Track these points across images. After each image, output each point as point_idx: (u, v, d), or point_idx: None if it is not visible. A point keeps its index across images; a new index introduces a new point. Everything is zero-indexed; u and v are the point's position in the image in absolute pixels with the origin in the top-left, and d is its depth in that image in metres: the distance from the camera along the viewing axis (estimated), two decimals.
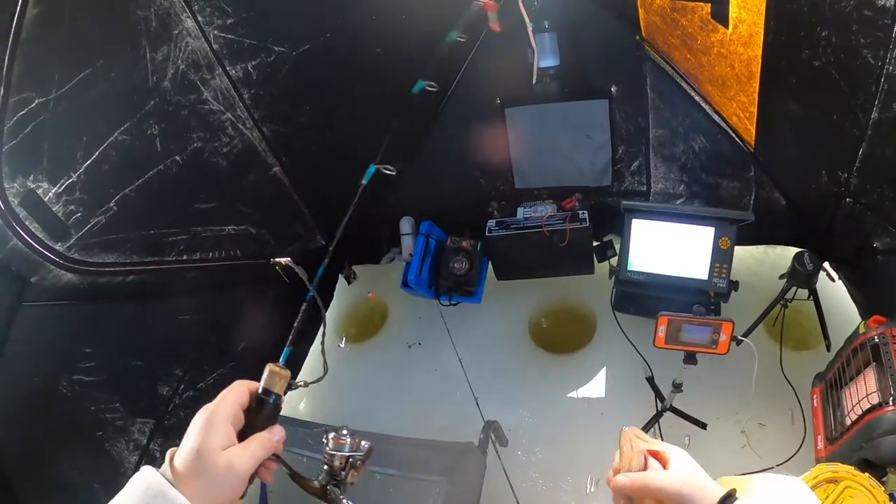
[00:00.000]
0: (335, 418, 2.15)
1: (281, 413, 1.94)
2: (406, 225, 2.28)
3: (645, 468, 0.75)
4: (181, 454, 0.65)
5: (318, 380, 2.01)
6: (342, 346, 2.45)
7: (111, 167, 1.48)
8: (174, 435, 1.78)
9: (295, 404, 2.26)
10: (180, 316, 1.84)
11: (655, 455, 0.76)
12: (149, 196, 1.60)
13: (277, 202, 2.07)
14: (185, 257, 1.78)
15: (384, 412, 2.10)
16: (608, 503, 1.69)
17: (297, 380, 2.04)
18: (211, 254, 1.86)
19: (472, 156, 2.25)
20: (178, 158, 1.67)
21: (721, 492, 0.72)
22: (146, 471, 0.63)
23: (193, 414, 1.68)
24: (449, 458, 1.79)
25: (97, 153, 1.45)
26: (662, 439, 1.81)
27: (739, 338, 1.65)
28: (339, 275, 2.47)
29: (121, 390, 1.63)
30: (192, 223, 1.78)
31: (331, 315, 2.38)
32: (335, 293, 2.48)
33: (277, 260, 1.92)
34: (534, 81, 1.98)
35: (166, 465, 0.65)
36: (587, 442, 1.98)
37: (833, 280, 2.01)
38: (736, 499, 0.70)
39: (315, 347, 2.26)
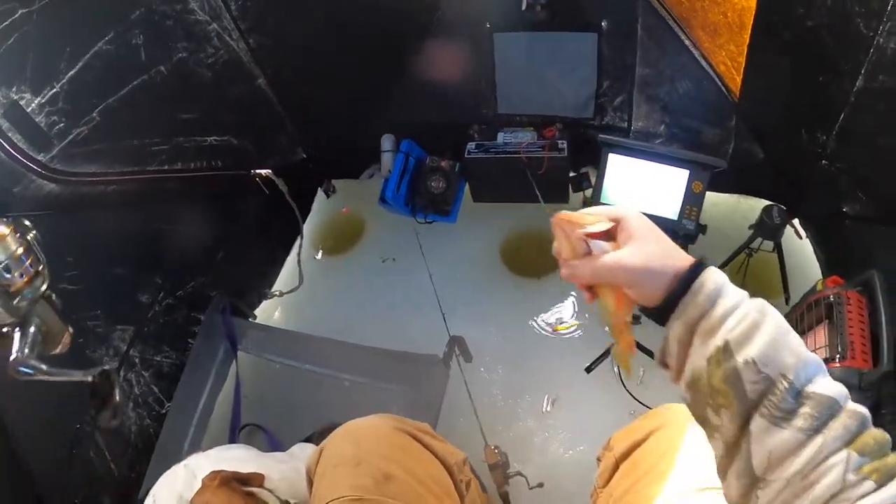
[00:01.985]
0: (308, 328, 2.44)
1: (256, 321, 2.33)
2: (387, 142, 2.49)
3: (589, 254, 0.77)
4: None
5: (293, 290, 2.40)
6: (318, 257, 2.71)
7: (95, 77, 1.64)
8: (153, 342, 2.03)
9: (270, 313, 2.52)
10: (161, 225, 2.05)
11: (599, 235, 0.77)
12: (132, 106, 1.77)
13: (261, 114, 2.27)
14: (166, 167, 1.97)
15: (356, 323, 2.37)
16: (563, 421, 2.11)
17: (273, 289, 2.43)
18: (192, 164, 2.06)
19: (457, 78, 2.43)
20: (162, 69, 1.84)
21: (688, 259, 0.75)
22: None
23: (172, 321, 2.09)
24: (414, 369, 2.06)
25: (81, 63, 1.61)
26: (618, 369, 2.18)
27: None
28: (318, 188, 2.72)
29: (102, 298, 1.82)
30: (174, 133, 1.97)
31: (308, 227, 2.60)
32: (314, 206, 2.74)
33: (258, 171, 2.28)
34: (523, 7, 2.13)
35: None
36: (547, 364, 2.28)
37: (800, 237, 2.25)
38: (707, 265, 0.74)
39: (291, 258, 2.54)
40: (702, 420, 0.75)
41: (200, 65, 1.97)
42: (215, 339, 2.25)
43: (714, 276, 0.73)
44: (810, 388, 0.66)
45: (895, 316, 1.62)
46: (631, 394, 2.12)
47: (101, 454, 1.81)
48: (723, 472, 0.73)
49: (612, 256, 0.75)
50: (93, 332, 1.79)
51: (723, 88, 2.15)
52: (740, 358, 0.67)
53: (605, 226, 0.76)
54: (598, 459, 1.42)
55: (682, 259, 0.75)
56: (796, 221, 2.22)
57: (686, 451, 1.12)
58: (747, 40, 1.91)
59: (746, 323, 0.68)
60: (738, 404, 0.67)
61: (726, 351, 0.68)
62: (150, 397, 2.03)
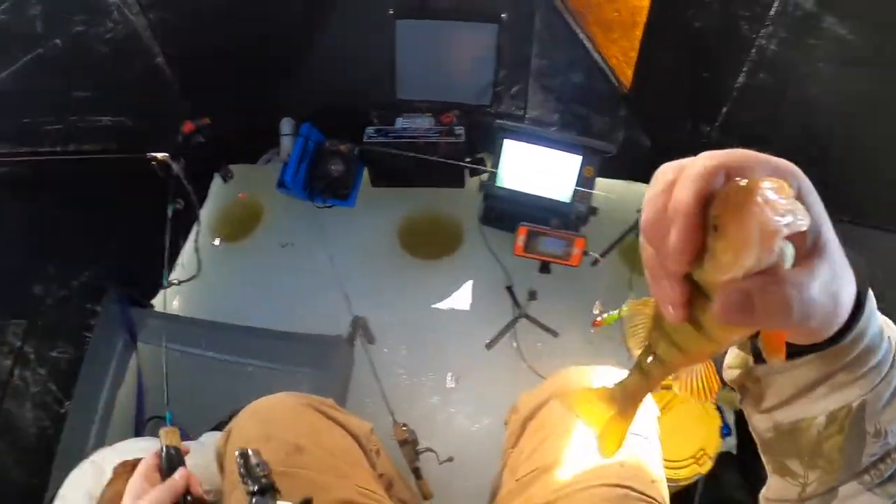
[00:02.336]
0: (209, 316, 2.43)
1: (154, 310, 2.31)
2: (286, 125, 2.51)
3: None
4: None
5: (192, 278, 2.41)
6: (216, 244, 2.70)
7: None
8: (48, 336, 1.96)
9: (168, 303, 2.44)
10: (52, 211, 1.99)
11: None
12: (26, 81, 1.71)
13: (158, 95, 2.22)
14: (59, 148, 1.91)
15: (257, 309, 2.39)
16: (467, 396, 2.26)
17: (170, 277, 2.41)
18: (87, 146, 1.99)
19: (357, 62, 2.51)
20: (58, 42, 1.76)
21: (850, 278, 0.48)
22: None
23: (66, 314, 2.05)
24: (318, 350, 2.10)
25: None
26: (518, 344, 2.39)
27: (598, 256, 2.18)
28: (215, 173, 2.68)
29: None
30: (69, 112, 1.91)
31: (205, 213, 2.59)
32: (210, 192, 2.71)
33: (154, 155, 2.27)
34: None
35: None
36: (449, 342, 2.40)
37: None
38: (867, 290, 0.51)
39: (189, 245, 2.51)
40: (779, 466, 0.62)
41: (98, 40, 1.90)
42: (114, 331, 2.22)
43: (876, 315, 0.53)
44: None
45: None
46: (531, 367, 2.29)
47: None
48: None
49: (825, 288, 0.45)
50: None
51: (614, 81, 2.33)
52: (871, 425, 0.53)
53: (807, 221, 0.40)
54: (506, 423, 1.53)
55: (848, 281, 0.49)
56: None
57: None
58: (639, 37, 2.10)
59: (893, 385, 0.53)
60: (842, 473, 0.55)
61: (858, 412, 0.53)
62: (48, 396, 1.97)
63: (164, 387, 2.24)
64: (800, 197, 0.44)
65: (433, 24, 2.40)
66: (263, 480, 1.03)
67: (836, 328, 0.50)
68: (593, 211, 2.33)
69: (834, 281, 0.46)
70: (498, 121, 2.30)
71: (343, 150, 2.47)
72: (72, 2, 1.79)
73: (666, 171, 0.49)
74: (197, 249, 2.41)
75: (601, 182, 2.34)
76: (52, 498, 1.51)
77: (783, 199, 0.40)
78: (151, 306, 2.44)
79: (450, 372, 2.33)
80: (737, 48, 1.71)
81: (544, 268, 2.04)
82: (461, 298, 2.55)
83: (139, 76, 2.12)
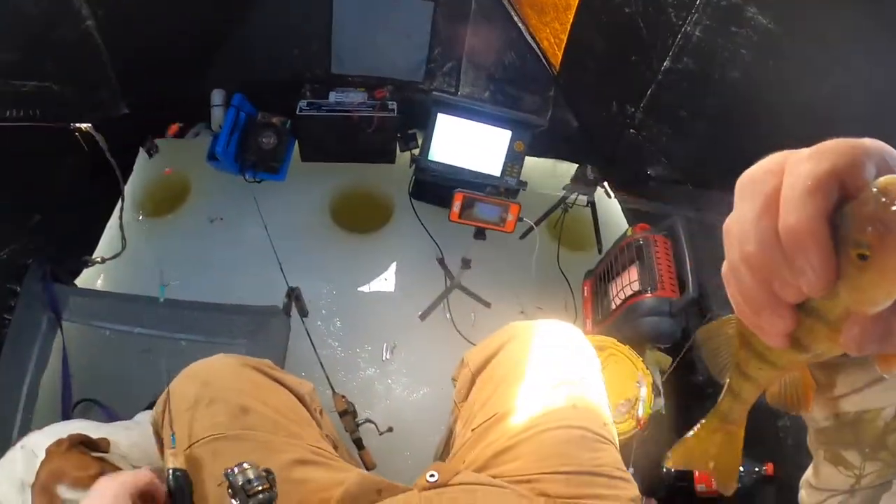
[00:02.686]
0: (134, 292, 2.33)
1: (79, 287, 2.22)
2: (217, 96, 2.47)
3: None
4: None
5: (116, 255, 2.34)
6: (140, 220, 2.62)
7: None
8: None
9: (92, 282, 2.41)
10: None
11: None
12: None
13: (85, 61, 2.11)
14: None
15: (186, 285, 2.34)
16: (404, 367, 2.29)
17: (93, 255, 2.33)
18: (7, 112, 1.88)
19: (292, 34, 2.48)
20: None
21: None
22: None
23: None
24: (253, 321, 2.06)
25: None
26: (451, 315, 2.44)
27: (532, 224, 2.21)
28: (140, 147, 2.59)
29: None
30: None
31: (130, 189, 2.48)
32: (135, 166, 2.60)
33: (78, 126, 2.19)
34: None
35: None
36: (383, 314, 2.43)
37: (609, 196, 2.56)
38: None
39: (113, 222, 2.40)
40: (833, 456, 0.57)
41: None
42: (36, 310, 2.10)
43: None
44: None
45: (695, 254, 1.95)
46: (464, 337, 2.34)
47: None
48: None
49: None
50: None
51: (544, 62, 2.42)
52: None
53: None
54: (454, 379, 1.55)
55: None
56: (605, 184, 2.52)
57: (537, 355, 1.29)
58: (571, 20, 2.17)
59: None
60: None
61: None
62: None
63: (91, 367, 2.18)
64: None
65: (369, 0, 2.42)
66: (262, 496, 0.94)
67: None
68: (523, 185, 2.40)
69: None
70: (434, 93, 2.36)
71: (275, 123, 2.44)
72: None
73: (760, 181, 0.41)
74: (122, 226, 2.34)
75: (529, 160, 2.41)
76: None
77: None
78: (75, 286, 2.34)
79: (385, 343, 2.35)
80: (664, 34, 1.80)
81: (479, 234, 2.08)
82: (393, 271, 2.58)
83: (67, 40, 2.01)
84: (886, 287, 0.35)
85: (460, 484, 1.05)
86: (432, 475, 1.07)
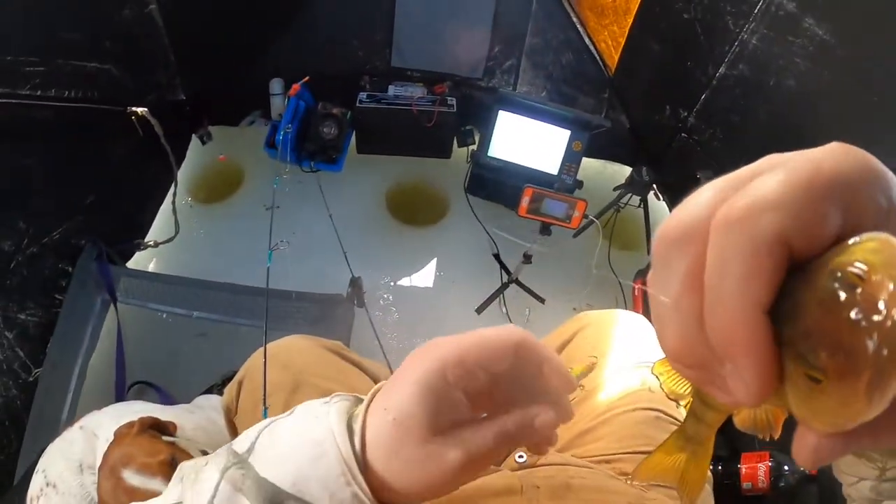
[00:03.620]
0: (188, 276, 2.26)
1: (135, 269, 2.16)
2: (276, 86, 2.46)
3: None
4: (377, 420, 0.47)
5: (170, 240, 2.31)
6: (193, 205, 2.58)
7: None
8: (16, 297, 1.81)
9: (144, 265, 2.37)
10: (25, 160, 1.82)
11: None
12: (9, 17, 1.60)
13: (145, 44, 2.12)
14: (39, 93, 1.77)
15: (239, 271, 2.25)
16: None
17: (146, 238, 2.30)
18: (67, 92, 1.87)
19: (353, 26, 2.48)
20: None
21: None
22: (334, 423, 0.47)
23: (37, 272, 1.88)
24: (317, 309, 2.02)
25: None
26: (506, 309, 2.43)
27: (595, 220, 2.23)
28: (193, 134, 2.57)
29: None
30: (53, 54, 1.78)
31: (182, 175, 2.45)
32: (188, 153, 2.59)
33: (135, 109, 2.17)
34: None
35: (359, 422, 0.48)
36: (439, 307, 2.42)
37: (658, 199, 2.55)
38: None
39: (165, 206, 2.41)
40: None
41: None
42: (90, 291, 2.05)
43: None
44: None
45: None
46: None
47: None
48: None
49: None
50: None
51: (601, 63, 2.42)
52: None
53: None
54: None
55: None
56: (655, 186, 2.51)
57: (617, 337, 1.28)
58: (629, 24, 2.18)
59: None
60: None
61: None
62: (16, 363, 1.80)
63: (145, 349, 2.13)
64: None
65: None
66: None
67: None
68: (579, 184, 2.39)
69: None
70: (499, 90, 2.34)
71: (336, 114, 2.41)
72: None
73: (679, 243, 0.32)
74: (174, 211, 2.32)
75: (582, 161, 2.41)
76: (29, 472, 1.38)
77: None
78: (129, 268, 2.31)
79: (441, 335, 2.31)
80: (721, 40, 1.82)
81: (545, 229, 2.09)
82: (449, 265, 2.56)
83: (130, 22, 2.01)
84: (846, 415, 0.27)
85: (549, 465, 1.02)
86: (521, 456, 1.03)
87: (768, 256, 0.27)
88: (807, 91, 1.59)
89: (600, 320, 1.36)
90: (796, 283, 0.27)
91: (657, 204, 2.59)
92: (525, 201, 1.99)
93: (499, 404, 0.49)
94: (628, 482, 0.98)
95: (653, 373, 0.48)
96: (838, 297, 0.25)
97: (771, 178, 0.28)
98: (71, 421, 1.48)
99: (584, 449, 1.14)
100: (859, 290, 0.24)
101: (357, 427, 0.48)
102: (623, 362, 1.23)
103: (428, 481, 0.46)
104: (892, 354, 0.24)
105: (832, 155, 0.28)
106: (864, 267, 0.25)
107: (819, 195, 0.27)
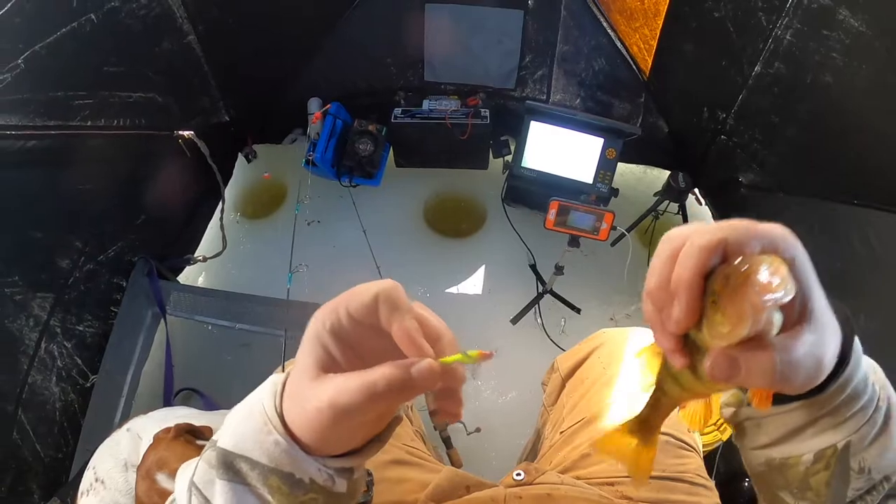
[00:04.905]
0: (235, 290, 2.36)
1: (183, 284, 2.27)
2: (314, 104, 2.49)
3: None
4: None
5: (218, 254, 2.40)
6: (239, 221, 2.67)
7: (23, 20, 1.53)
8: (75, 310, 1.91)
9: (194, 279, 2.46)
10: (80, 185, 1.92)
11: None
12: (59, 55, 1.66)
13: (187, 73, 2.20)
14: (89, 123, 1.86)
15: (281, 285, 2.22)
16: (494, 370, 2.27)
17: (196, 254, 2.40)
18: (116, 121, 1.96)
19: (386, 43, 2.51)
20: (93, 17, 1.74)
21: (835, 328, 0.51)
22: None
23: (94, 287, 1.99)
24: None
25: (9, 5, 1.49)
26: (542, 320, 2.40)
27: (625, 231, 2.21)
28: (239, 153, 2.66)
29: (20, 263, 1.69)
30: (100, 87, 1.87)
31: (229, 192, 2.54)
32: (234, 171, 2.67)
33: (181, 133, 2.27)
34: None
35: (280, 381, 0.54)
36: (475, 317, 2.41)
37: (700, 204, 2.49)
38: (854, 340, 0.56)
39: (214, 222, 2.49)
40: (771, 497, 0.66)
41: (132, 16, 1.89)
42: (142, 304, 2.17)
43: (864, 363, 0.58)
44: None
45: None
46: (554, 342, 2.30)
47: (25, 436, 1.71)
48: None
49: (806, 351, 0.48)
50: (11, 299, 1.68)
51: (634, 68, 2.37)
52: (855, 462, 0.57)
53: (794, 290, 0.46)
54: (544, 384, 1.53)
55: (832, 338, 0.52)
56: (696, 190, 2.47)
57: (626, 360, 1.25)
58: (660, 26, 2.13)
59: (878, 426, 0.56)
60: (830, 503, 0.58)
61: (843, 451, 0.57)
62: (74, 370, 1.93)
63: (192, 359, 2.23)
64: (792, 266, 0.47)
65: (461, 9, 2.41)
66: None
67: (819, 382, 0.52)
68: (615, 192, 2.34)
69: (818, 344, 0.49)
70: (527, 101, 2.31)
71: (372, 130, 2.44)
72: None
73: (672, 239, 0.52)
74: (222, 227, 2.40)
75: (618, 166, 2.36)
76: (82, 469, 1.45)
77: (776, 277, 0.45)
78: (178, 282, 2.42)
79: (476, 346, 2.31)
80: (754, 37, 1.76)
81: (573, 241, 2.07)
82: (486, 275, 2.55)
83: (170, 54, 2.10)
84: (729, 325, 0.46)
85: (545, 483, 1.03)
86: (519, 474, 1.05)
87: (714, 247, 0.47)
88: (846, 87, 1.53)
89: (614, 340, 1.35)
90: (717, 269, 0.47)
91: (699, 209, 2.52)
92: (552, 214, 1.97)
93: (378, 357, 0.52)
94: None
95: (636, 356, 0.62)
96: (739, 262, 0.46)
97: (741, 221, 0.49)
98: (121, 423, 1.54)
99: (586, 471, 1.14)
100: (748, 260, 0.46)
101: (278, 388, 0.54)
102: (632, 385, 1.21)
103: (308, 422, 0.50)
104: (739, 289, 0.44)
105: (777, 227, 0.50)
106: (760, 256, 0.46)
107: (752, 233, 0.48)
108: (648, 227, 2.47)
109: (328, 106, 2.42)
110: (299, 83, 2.55)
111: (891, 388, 0.60)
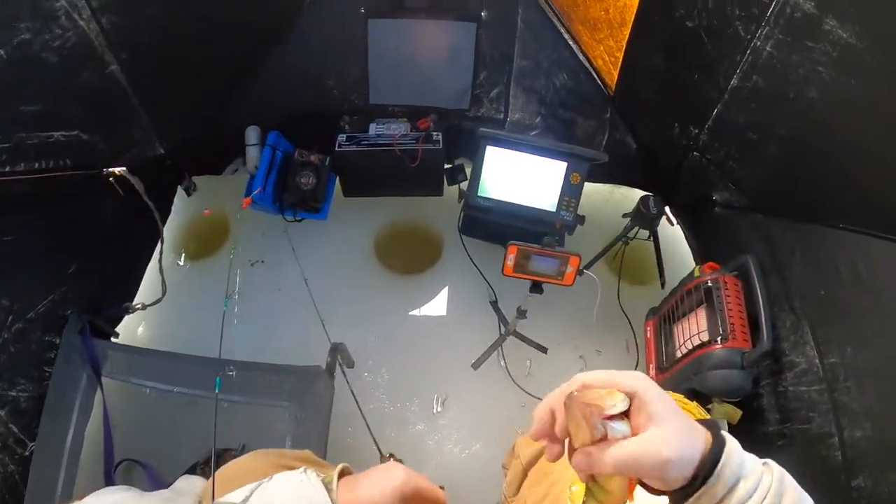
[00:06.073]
0: (176, 342, 2.29)
1: (119, 339, 2.13)
2: (252, 135, 2.35)
3: (604, 439, 0.67)
4: None
5: (156, 302, 2.24)
6: (181, 263, 2.54)
7: None
8: (6, 374, 1.81)
9: (133, 329, 2.36)
10: (2, 237, 1.81)
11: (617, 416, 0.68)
12: None
13: (113, 105, 2.05)
14: (7, 169, 1.74)
15: (226, 334, 2.11)
16: (456, 421, 2.14)
17: (134, 302, 2.23)
18: (37, 164, 1.83)
19: (327, 64, 2.36)
20: (2, 53, 1.61)
21: (704, 432, 0.69)
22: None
23: (25, 348, 1.85)
24: (297, 382, 1.95)
25: None
26: (505, 362, 2.29)
27: (583, 270, 2.09)
28: (178, 186, 2.52)
29: None
30: (16, 129, 1.74)
31: (169, 230, 2.42)
32: (174, 206, 2.52)
33: (111, 170, 2.10)
34: None
35: (334, 486, 0.77)
36: (433, 363, 2.30)
37: (672, 224, 2.39)
38: (725, 438, 0.69)
39: (152, 266, 2.35)
40: None
41: (46, 48, 1.73)
42: (76, 365, 2.05)
43: (736, 452, 0.68)
44: None
45: (770, 297, 1.77)
46: (520, 386, 2.19)
47: None
48: None
49: (643, 446, 0.65)
50: None
51: (599, 82, 2.23)
52: None
53: (625, 405, 0.67)
54: (504, 467, 1.47)
55: (701, 434, 0.69)
56: (668, 209, 2.34)
57: None
58: (627, 37, 1.99)
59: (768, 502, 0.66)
60: None
61: None
62: (10, 439, 1.83)
63: (133, 424, 2.11)
64: (634, 395, 0.68)
65: (408, 23, 2.26)
66: None
67: (701, 471, 0.66)
68: (580, 220, 2.23)
69: (690, 441, 0.67)
70: (481, 129, 2.17)
71: (314, 161, 2.32)
72: (15, 6, 1.61)
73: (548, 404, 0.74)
74: (161, 271, 2.26)
75: (585, 186, 2.23)
76: None
77: (605, 400, 0.67)
78: (116, 334, 2.28)
79: (435, 394, 2.23)
80: (731, 49, 1.63)
81: (536, 287, 1.91)
82: (443, 315, 2.44)
83: (92, 86, 1.94)
84: (575, 434, 0.69)
85: None
86: None
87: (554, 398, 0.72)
88: (832, 103, 1.43)
89: None
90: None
91: (669, 230, 2.41)
92: (510, 260, 1.84)
93: None
94: None
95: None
96: (565, 402, 0.70)
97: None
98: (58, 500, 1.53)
99: None
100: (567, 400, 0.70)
101: (334, 488, 0.76)
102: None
103: None
104: (576, 418, 0.68)
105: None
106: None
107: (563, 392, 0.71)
108: (618, 252, 2.33)
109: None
110: (236, 110, 2.41)
111: (786, 475, 0.70)
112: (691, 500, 0.66)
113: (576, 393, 0.68)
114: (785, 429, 1.72)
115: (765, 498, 0.66)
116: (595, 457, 0.66)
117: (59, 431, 1.97)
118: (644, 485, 0.70)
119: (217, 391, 1.78)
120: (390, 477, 0.79)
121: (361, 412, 1.97)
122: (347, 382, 2.03)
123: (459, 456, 2.13)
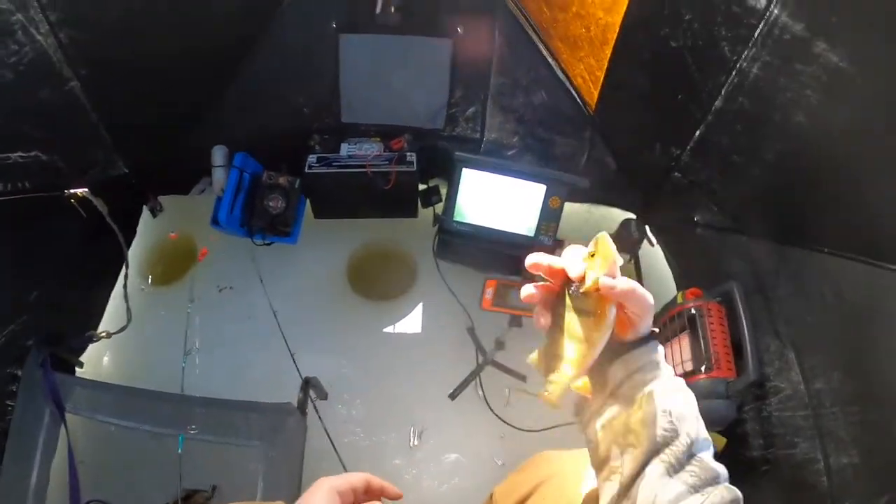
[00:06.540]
0: (142, 373, 2.24)
1: (83, 370, 2.05)
2: (218, 155, 2.27)
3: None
4: None
5: (121, 329, 2.17)
6: (146, 289, 2.46)
7: None
8: None
9: (98, 359, 2.29)
10: None
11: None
12: None
13: (73, 123, 1.98)
14: None
15: (193, 366, 2.16)
16: (433, 454, 2.09)
17: (98, 330, 2.15)
18: None
19: (297, 82, 2.29)
20: None
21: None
22: None
23: None
24: (268, 421, 1.90)
25: None
26: (483, 392, 2.23)
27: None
28: (144, 206, 2.43)
29: None
30: None
31: (134, 253, 2.35)
32: (139, 228, 2.43)
33: (73, 191, 2.01)
34: (377, 10, 2.06)
35: None
36: (409, 393, 2.25)
37: (652, 245, 2.34)
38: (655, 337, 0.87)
39: (117, 291, 2.27)
40: (601, 462, 0.86)
41: (2, 65, 1.67)
42: (38, 400, 1.98)
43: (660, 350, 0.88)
44: (701, 455, 0.78)
45: (755, 324, 1.75)
46: (499, 416, 2.16)
47: None
48: None
49: (643, 288, 0.81)
50: None
51: (579, 101, 2.18)
52: (660, 406, 0.80)
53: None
54: None
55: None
56: (648, 229, 2.31)
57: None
58: (608, 55, 1.93)
59: (674, 382, 0.84)
60: (646, 445, 0.79)
61: (651, 397, 0.81)
62: None
63: (99, 462, 2.04)
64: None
65: (381, 39, 2.20)
66: None
67: (640, 329, 0.84)
68: (560, 244, 2.18)
69: (643, 296, 0.81)
70: (457, 153, 2.13)
71: (283, 183, 2.25)
72: None
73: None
74: (126, 297, 2.18)
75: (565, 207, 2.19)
76: None
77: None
78: (81, 363, 2.22)
79: (412, 427, 2.19)
80: (716, 70, 1.58)
81: (514, 321, 1.85)
82: (419, 344, 2.39)
83: (51, 104, 1.87)
84: (605, 263, 0.82)
85: None
86: None
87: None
88: (821, 128, 1.40)
89: (563, 475, 1.20)
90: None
91: (650, 251, 2.37)
92: (488, 294, 1.77)
93: None
94: None
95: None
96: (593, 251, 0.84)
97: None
98: None
99: None
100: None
101: None
102: None
103: None
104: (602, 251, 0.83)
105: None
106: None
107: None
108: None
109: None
110: (202, 128, 2.32)
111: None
112: (624, 357, 0.85)
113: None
114: (769, 454, 1.71)
115: (671, 378, 0.84)
116: (617, 281, 0.79)
117: (22, 470, 1.91)
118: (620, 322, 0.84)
119: (180, 451, 1.71)
120: (315, 487, 0.89)
121: (335, 448, 1.93)
122: (320, 418, 2.00)
123: (437, 490, 2.11)
